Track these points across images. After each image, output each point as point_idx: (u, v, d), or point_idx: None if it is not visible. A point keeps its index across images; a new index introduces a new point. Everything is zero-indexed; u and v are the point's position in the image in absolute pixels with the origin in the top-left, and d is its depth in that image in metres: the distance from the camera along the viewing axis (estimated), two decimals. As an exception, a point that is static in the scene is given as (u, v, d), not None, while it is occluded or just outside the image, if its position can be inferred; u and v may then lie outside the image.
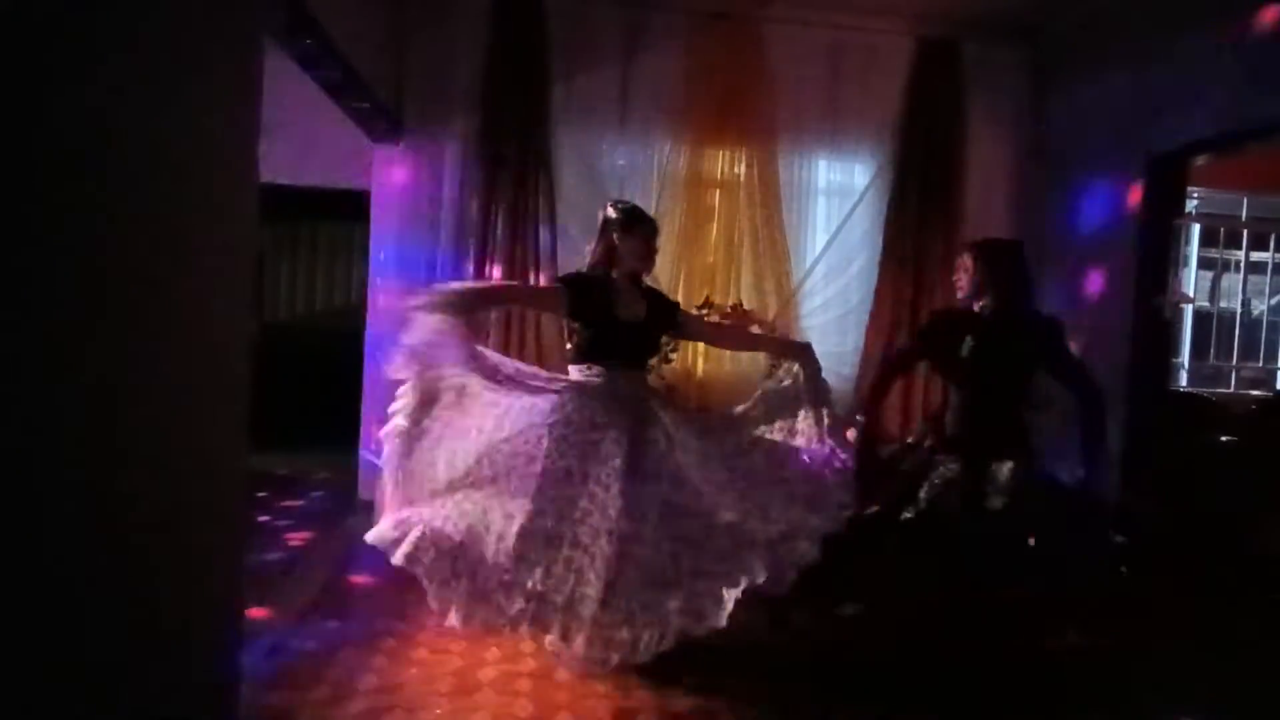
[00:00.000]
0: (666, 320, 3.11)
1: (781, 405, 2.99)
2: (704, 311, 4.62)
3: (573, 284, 2.98)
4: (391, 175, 4.81)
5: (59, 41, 1.26)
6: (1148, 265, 4.16)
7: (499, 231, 4.66)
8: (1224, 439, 4.14)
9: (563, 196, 4.78)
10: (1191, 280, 5.74)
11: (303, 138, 4.82)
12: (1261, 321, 6.01)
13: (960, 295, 3.12)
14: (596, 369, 2.91)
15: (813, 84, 4.94)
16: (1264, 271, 5.65)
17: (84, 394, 1.37)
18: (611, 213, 3.02)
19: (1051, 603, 2.96)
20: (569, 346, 3.08)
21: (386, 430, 2.83)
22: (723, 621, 2.58)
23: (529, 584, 2.68)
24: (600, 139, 4.90)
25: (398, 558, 2.67)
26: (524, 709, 2.53)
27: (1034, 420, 3.09)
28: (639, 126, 4.88)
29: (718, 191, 4.95)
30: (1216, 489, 4.06)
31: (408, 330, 2.73)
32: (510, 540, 2.69)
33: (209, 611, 1.89)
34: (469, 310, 2.93)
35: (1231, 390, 5.24)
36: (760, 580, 2.61)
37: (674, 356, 4.54)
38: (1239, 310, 5.43)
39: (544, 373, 3.07)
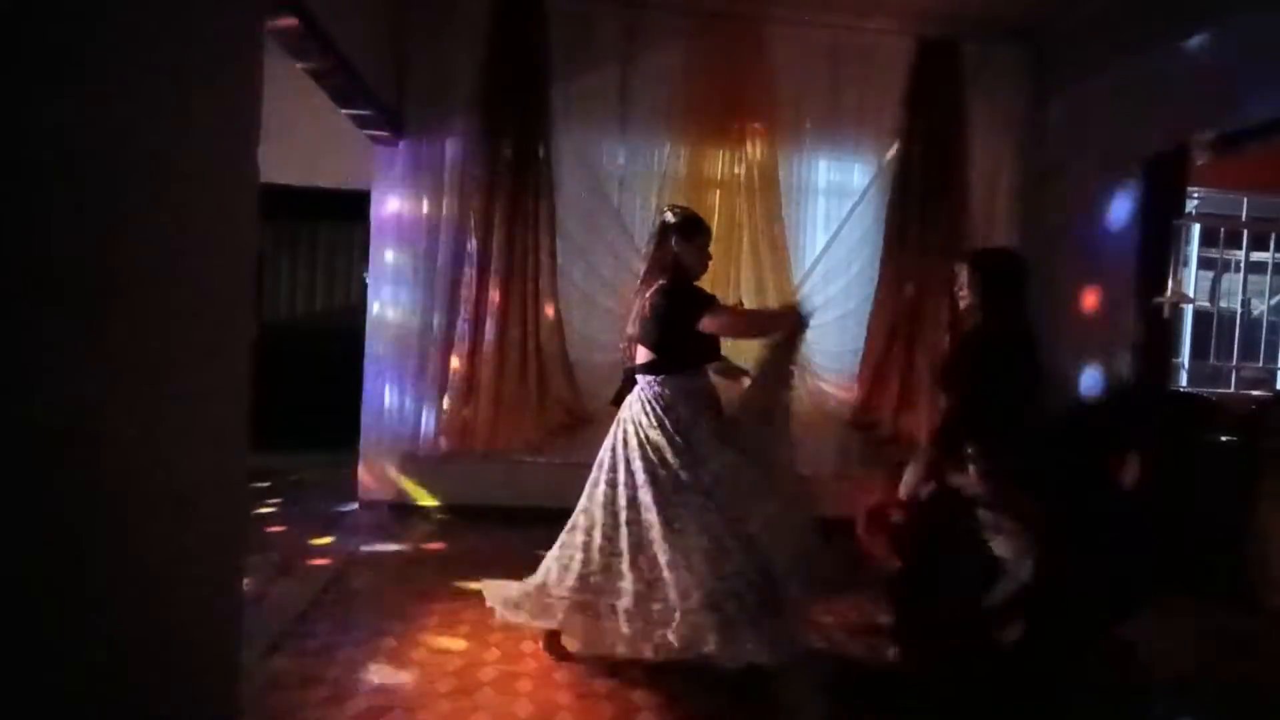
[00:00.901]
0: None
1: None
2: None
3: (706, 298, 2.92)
4: (391, 175, 4.81)
5: (60, 42, 1.26)
6: (1148, 265, 4.15)
7: (499, 232, 4.66)
8: (1224, 439, 4.13)
9: (563, 196, 4.78)
10: (1191, 280, 5.73)
11: (303, 138, 4.82)
12: (1261, 321, 6.00)
13: (962, 306, 2.98)
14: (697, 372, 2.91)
15: (813, 84, 4.94)
16: (1264, 271, 5.64)
17: (84, 393, 1.37)
18: (671, 218, 2.95)
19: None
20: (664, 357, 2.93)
21: None
22: None
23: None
24: (600, 139, 4.90)
25: None
26: (524, 709, 2.53)
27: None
28: (639, 126, 4.88)
29: (718, 191, 4.95)
30: (1216, 489, 4.06)
31: None
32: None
33: (209, 610, 1.89)
34: None
35: (1231, 390, 5.23)
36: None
37: None
38: (1239, 310, 5.43)
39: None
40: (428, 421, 4.74)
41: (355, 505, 4.84)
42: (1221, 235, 5.50)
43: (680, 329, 2.82)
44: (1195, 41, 3.87)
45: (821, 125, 4.98)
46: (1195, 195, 5.57)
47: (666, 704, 2.61)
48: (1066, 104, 4.82)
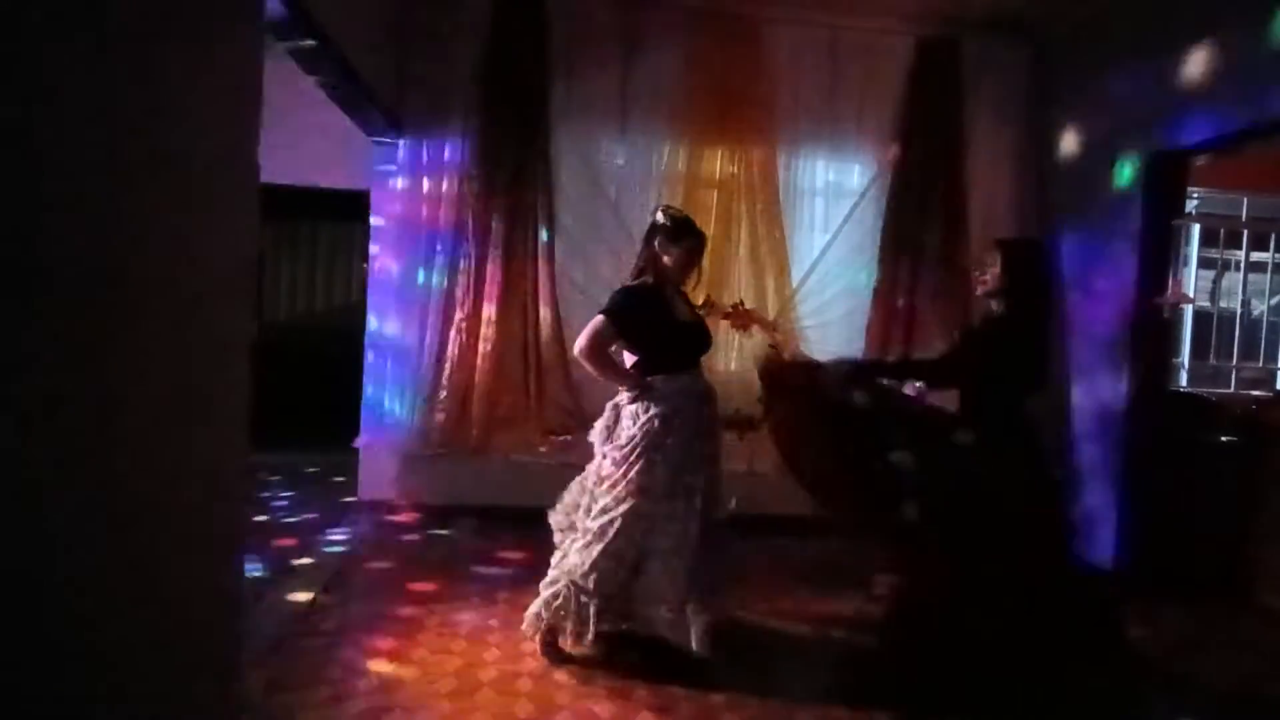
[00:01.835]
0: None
1: None
2: (703, 311, 4.61)
3: (617, 314, 2.90)
4: (391, 175, 4.80)
5: (59, 42, 1.26)
6: (1148, 265, 4.15)
7: (498, 231, 4.66)
8: (1224, 439, 4.13)
9: (563, 196, 4.78)
10: (1191, 280, 5.73)
11: (303, 138, 4.82)
12: (1261, 321, 6.00)
13: (980, 291, 3.06)
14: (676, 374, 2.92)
15: (813, 84, 4.93)
16: (1264, 271, 5.64)
17: (85, 393, 1.37)
18: (660, 218, 2.97)
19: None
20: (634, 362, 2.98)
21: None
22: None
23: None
24: (600, 139, 4.89)
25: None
26: (524, 709, 2.53)
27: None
28: (639, 126, 4.88)
29: (717, 191, 4.94)
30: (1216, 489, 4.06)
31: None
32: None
33: (209, 610, 1.89)
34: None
35: (1231, 390, 5.23)
36: None
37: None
38: (1239, 310, 5.43)
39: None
40: (427, 422, 4.74)
41: (355, 505, 4.84)
42: (1221, 235, 5.50)
43: (643, 331, 2.87)
44: (1195, 41, 3.87)
45: (821, 125, 4.98)
46: (1195, 195, 5.57)
47: (666, 704, 2.61)
48: (1066, 104, 4.82)
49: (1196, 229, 5.71)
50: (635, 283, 2.98)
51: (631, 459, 2.80)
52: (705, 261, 4.83)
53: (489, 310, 4.66)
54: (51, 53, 1.24)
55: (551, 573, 2.92)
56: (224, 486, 1.93)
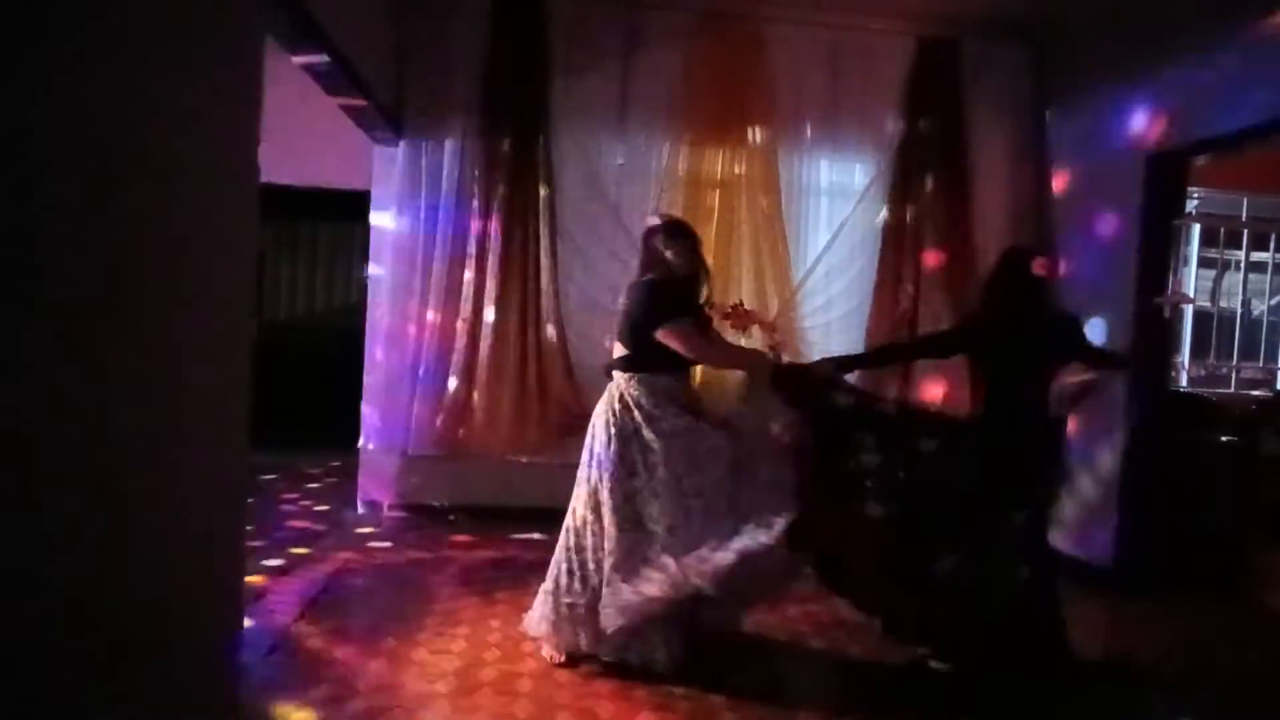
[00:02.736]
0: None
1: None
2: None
3: (670, 305, 2.92)
4: (391, 175, 4.80)
5: (59, 41, 1.26)
6: (1148, 265, 4.16)
7: (498, 231, 4.66)
8: (1224, 439, 4.14)
9: (562, 196, 4.78)
10: (1191, 280, 5.73)
11: (303, 138, 4.82)
12: (1261, 321, 6.00)
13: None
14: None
15: (813, 84, 4.93)
16: (1264, 271, 5.64)
17: (85, 393, 1.37)
18: (654, 220, 3.07)
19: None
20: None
21: None
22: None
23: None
24: (600, 138, 4.90)
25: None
26: (524, 709, 2.54)
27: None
28: (639, 126, 4.88)
29: (718, 191, 4.94)
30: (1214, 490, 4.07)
31: None
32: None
33: (209, 610, 1.89)
34: None
35: (1232, 390, 5.23)
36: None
37: None
38: (1239, 310, 5.43)
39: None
40: (427, 422, 4.74)
41: (355, 505, 4.84)
42: (1221, 235, 5.50)
43: (649, 330, 2.86)
44: (1195, 41, 3.87)
45: (821, 125, 4.98)
46: (1195, 195, 5.57)
47: (666, 704, 2.61)
48: (1066, 103, 4.82)
49: (1196, 229, 5.71)
50: (659, 281, 2.96)
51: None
52: (708, 260, 4.89)
53: (489, 310, 4.65)
54: (51, 52, 1.24)
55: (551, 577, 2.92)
56: (224, 486, 1.93)
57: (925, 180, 4.93)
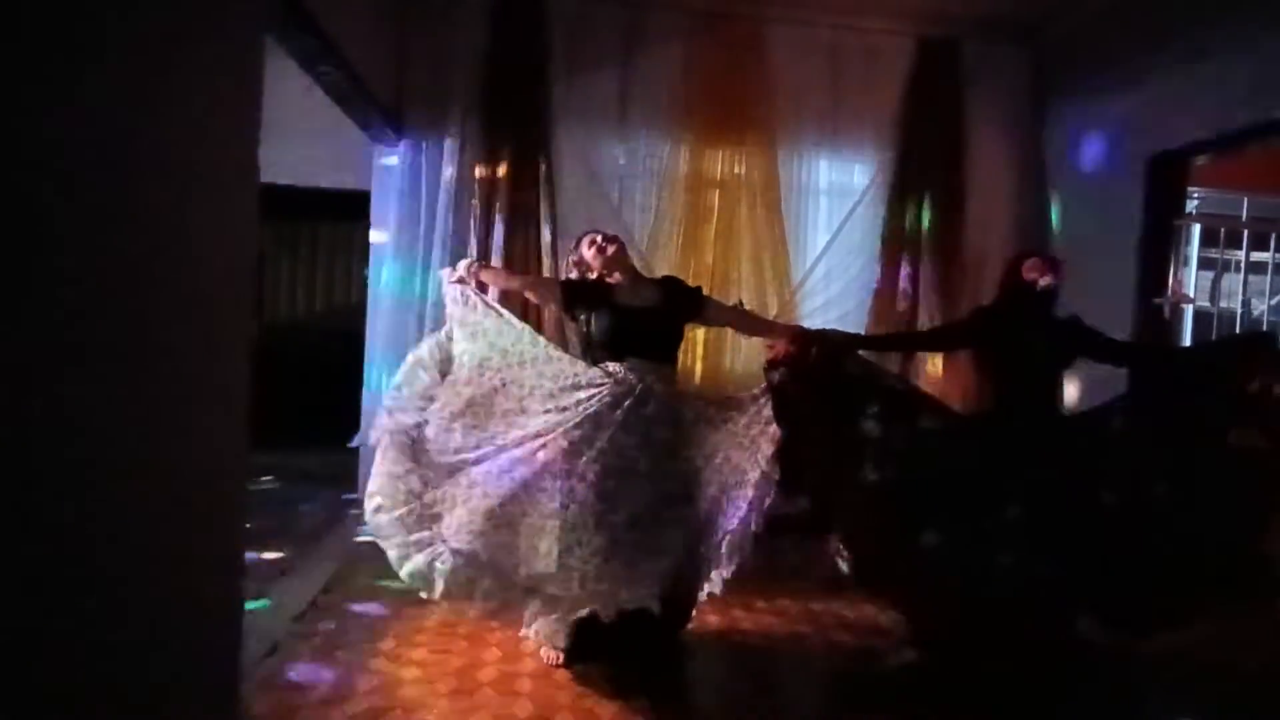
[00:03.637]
0: (689, 306, 3.07)
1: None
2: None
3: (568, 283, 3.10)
4: (391, 175, 4.80)
5: (58, 41, 1.26)
6: (1148, 265, 4.16)
7: (499, 231, 4.66)
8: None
9: (563, 196, 4.78)
10: (1192, 280, 5.73)
11: (303, 138, 4.82)
12: (1262, 321, 6.00)
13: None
14: (615, 364, 2.86)
15: (813, 84, 4.93)
16: (1264, 271, 5.64)
17: (84, 394, 1.37)
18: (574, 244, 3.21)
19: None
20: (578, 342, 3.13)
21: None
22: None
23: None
24: (600, 139, 4.89)
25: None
26: (524, 709, 2.53)
27: None
28: (639, 126, 4.88)
29: (718, 191, 4.94)
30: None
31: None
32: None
33: (209, 611, 1.89)
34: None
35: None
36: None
37: None
38: (1239, 310, 5.43)
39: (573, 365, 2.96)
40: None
41: (355, 505, 4.84)
42: (1222, 235, 5.50)
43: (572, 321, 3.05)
44: (1196, 41, 3.87)
45: (821, 125, 4.98)
46: (1195, 195, 5.56)
47: (666, 704, 2.61)
48: (1066, 104, 4.82)
49: (1196, 229, 5.70)
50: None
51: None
52: (708, 260, 4.90)
53: (489, 310, 4.65)
54: (50, 52, 1.24)
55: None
56: (224, 487, 1.93)
57: (924, 180, 4.93)
